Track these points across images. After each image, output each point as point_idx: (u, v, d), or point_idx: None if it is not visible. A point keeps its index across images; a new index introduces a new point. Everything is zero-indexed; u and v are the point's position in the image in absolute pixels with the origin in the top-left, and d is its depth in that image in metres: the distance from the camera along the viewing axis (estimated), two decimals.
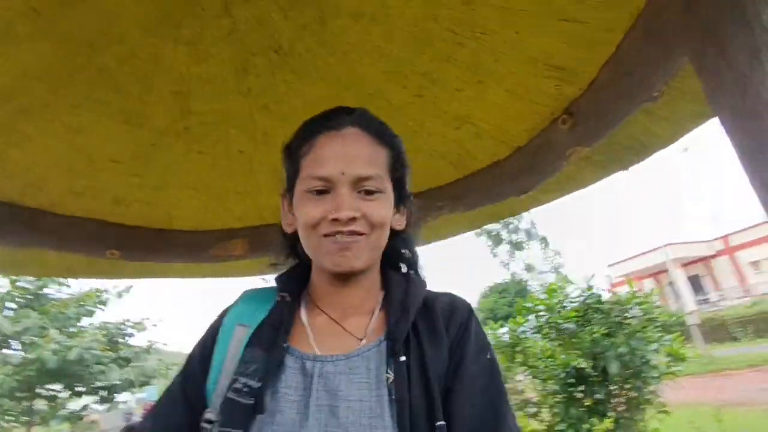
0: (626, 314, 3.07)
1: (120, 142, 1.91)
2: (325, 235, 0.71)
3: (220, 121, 1.95)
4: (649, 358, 2.84)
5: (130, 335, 9.85)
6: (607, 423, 2.52)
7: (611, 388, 2.62)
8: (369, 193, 0.74)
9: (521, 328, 3.13)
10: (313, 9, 1.55)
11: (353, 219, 0.71)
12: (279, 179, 2.31)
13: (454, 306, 0.79)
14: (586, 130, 1.71)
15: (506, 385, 2.72)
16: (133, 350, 10.21)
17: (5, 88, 1.55)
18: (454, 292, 0.84)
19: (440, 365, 0.70)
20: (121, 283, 9.70)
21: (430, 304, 0.77)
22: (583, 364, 2.70)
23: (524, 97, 1.77)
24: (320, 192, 0.73)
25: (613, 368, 2.48)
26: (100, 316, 10.07)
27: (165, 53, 1.65)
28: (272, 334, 0.72)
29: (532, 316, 3.64)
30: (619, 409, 2.74)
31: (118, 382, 9.40)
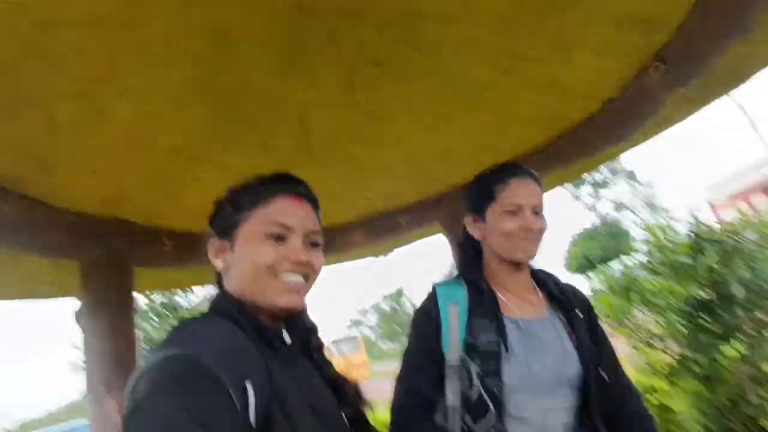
0: (741, 239, 3.01)
1: (258, 168, 2.26)
2: (519, 239, 1.07)
3: (333, 132, 2.25)
4: None
5: None
6: (739, 346, 2.57)
7: (738, 312, 2.64)
8: (537, 214, 1.11)
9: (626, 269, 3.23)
10: (405, 22, 1.76)
11: (540, 230, 1.10)
12: (385, 174, 2.56)
13: (578, 291, 1.20)
14: (680, 73, 1.77)
15: (629, 323, 2.82)
16: None
17: (179, 144, 1.96)
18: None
19: (584, 326, 1.09)
20: None
21: (564, 288, 1.17)
22: (702, 293, 2.74)
23: (612, 53, 1.85)
24: (512, 213, 1.08)
25: (738, 292, 2.50)
26: None
27: (287, 88, 1.95)
28: (488, 306, 1.05)
29: (637, 255, 3.67)
30: (750, 332, 2.76)
31: None
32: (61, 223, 1.87)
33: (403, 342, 1.18)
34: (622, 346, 3.46)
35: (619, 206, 26.11)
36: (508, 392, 0.94)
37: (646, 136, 2.41)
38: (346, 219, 2.85)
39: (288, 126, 2.12)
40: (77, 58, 1.38)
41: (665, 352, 2.86)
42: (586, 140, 2.28)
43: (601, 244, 23.58)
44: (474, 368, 0.95)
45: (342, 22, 1.72)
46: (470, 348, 0.97)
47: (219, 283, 0.78)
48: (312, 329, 0.82)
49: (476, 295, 1.07)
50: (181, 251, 2.38)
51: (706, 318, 2.68)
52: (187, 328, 0.63)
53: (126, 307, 2.05)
